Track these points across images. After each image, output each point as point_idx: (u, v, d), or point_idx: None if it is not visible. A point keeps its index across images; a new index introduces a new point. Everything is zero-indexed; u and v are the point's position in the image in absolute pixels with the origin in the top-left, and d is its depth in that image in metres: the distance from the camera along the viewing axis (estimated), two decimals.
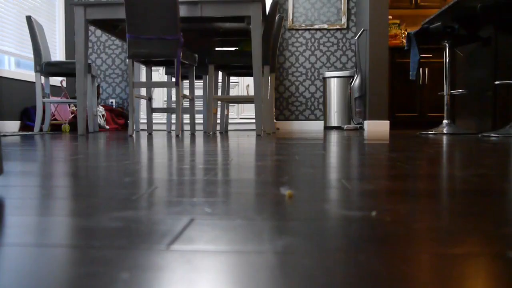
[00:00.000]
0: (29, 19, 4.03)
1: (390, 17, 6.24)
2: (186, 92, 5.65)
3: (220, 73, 5.73)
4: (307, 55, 6.07)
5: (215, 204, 0.58)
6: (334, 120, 5.58)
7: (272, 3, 3.77)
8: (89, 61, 6.13)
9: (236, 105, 5.63)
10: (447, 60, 3.88)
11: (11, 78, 4.53)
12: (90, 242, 0.40)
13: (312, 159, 1.26)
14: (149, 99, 4.16)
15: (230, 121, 5.63)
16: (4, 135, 2.76)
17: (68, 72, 4.14)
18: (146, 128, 5.53)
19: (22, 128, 4.66)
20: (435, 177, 0.85)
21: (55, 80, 5.37)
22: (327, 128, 5.68)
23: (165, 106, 5.65)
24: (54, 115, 4.57)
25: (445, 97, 3.89)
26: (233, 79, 5.62)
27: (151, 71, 4.22)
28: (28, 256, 0.36)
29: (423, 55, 5.86)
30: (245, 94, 5.61)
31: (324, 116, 5.73)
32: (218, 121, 5.73)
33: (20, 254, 0.37)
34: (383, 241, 0.40)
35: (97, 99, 5.01)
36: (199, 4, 3.43)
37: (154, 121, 5.69)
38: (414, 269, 0.32)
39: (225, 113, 4.52)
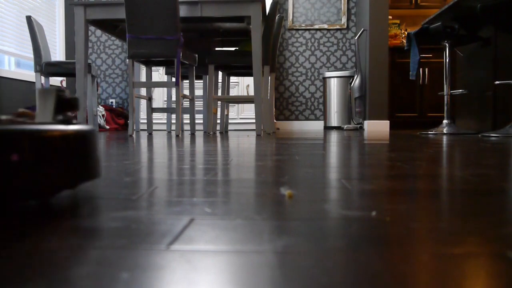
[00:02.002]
0: (29, 19, 4.03)
1: (390, 17, 6.24)
2: (186, 92, 5.65)
3: (220, 73, 5.73)
4: (307, 55, 6.07)
5: (215, 204, 0.58)
6: (334, 120, 5.58)
7: (272, 3, 3.77)
8: (89, 61, 6.13)
9: (236, 105, 5.63)
10: (447, 60, 3.88)
11: (11, 78, 4.52)
12: (90, 242, 0.40)
13: (312, 159, 1.26)
14: (149, 99, 4.16)
15: (230, 121, 5.63)
16: None
17: (68, 72, 4.14)
18: (146, 128, 5.53)
19: None
20: (435, 177, 0.85)
21: (55, 80, 5.37)
22: (327, 128, 5.68)
23: (165, 106, 5.65)
24: None
25: (445, 97, 3.89)
26: (233, 79, 5.62)
27: (151, 71, 4.22)
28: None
29: (423, 55, 5.86)
30: (245, 94, 5.61)
31: (324, 116, 5.73)
32: (218, 121, 5.73)
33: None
34: (383, 241, 0.40)
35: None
36: (199, 4, 3.44)
37: (154, 121, 5.69)
38: (414, 269, 0.32)
39: (225, 113, 4.52)
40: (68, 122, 0.64)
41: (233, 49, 4.22)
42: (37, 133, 0.55)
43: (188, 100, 4.79)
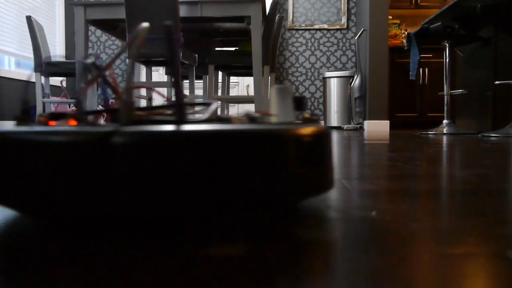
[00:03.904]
0: (29, 19, 4.03)
1: (390, 17, 6.24)
2: (186, 92, 5.65)
3: (220, 73, 5.74)
4: (307, 55, 6.07)
5: None
6: (334, 120, 5.58)
7: (272, 3, 3.77)
8: None
9: (236, 105, 5.63)
10: (447, 60, 3.88)
11: (11, 78, 4.52)
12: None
13: None
14: (149, 99, 4.16)
15: None
16: None
17: (68, 72, 4.14)
18: None
19: None
20: (435, 177, 0.85)
21: (55, 80, 5.37)
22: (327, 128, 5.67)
23: None
24: None
25: (445, 97, 3.89)
26: (233, 79, 5.62)
27: (151, 71, 4.22)
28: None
29: (423, 55, 5.86)
30: (245, 94, 5.61)
31: (324, 116, 5.73)
32: None
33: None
34: (383, 241, 0.40)
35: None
36: (199, 4, 3.44)
37: None
38: (414, 269, 0.32)
39: (225, 113, 4.53)
40: (315, 121, 0.57)
41: (233, 49, 4.22)
42: (306, 132, 0.48)
43: None
